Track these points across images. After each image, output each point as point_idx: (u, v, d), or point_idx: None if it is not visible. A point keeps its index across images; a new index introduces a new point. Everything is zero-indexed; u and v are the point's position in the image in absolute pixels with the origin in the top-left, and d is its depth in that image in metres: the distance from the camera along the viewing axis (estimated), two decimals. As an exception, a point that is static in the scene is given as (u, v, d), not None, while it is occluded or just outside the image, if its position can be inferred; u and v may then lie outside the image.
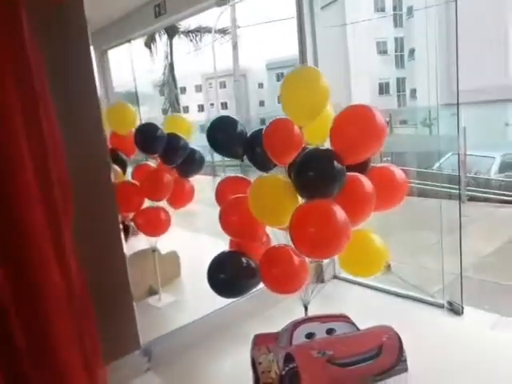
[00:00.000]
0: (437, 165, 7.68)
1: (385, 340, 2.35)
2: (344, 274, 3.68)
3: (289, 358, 2.11)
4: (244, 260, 2.09)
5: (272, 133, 2.12)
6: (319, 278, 3.60)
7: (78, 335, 2.10)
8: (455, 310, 2.99)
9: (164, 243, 3.88)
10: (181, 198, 3.29)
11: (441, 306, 3.07)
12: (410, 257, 4.71)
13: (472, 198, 8.33)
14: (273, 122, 2.13)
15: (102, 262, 2.39)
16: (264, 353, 2.17)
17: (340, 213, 1.70)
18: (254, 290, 2.13)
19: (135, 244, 3.78)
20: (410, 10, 22.17)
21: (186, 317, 3.06)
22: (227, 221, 2.12)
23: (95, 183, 2.36)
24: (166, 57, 17.97)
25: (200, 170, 3.36)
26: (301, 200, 1.86)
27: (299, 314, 2.32)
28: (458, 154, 5.04)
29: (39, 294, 1.92)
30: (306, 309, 2.32)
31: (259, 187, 1.93)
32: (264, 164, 2.25)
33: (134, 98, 6.45)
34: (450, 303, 3.03)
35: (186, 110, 25.59)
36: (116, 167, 3.25)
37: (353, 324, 2.33)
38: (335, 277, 3.70)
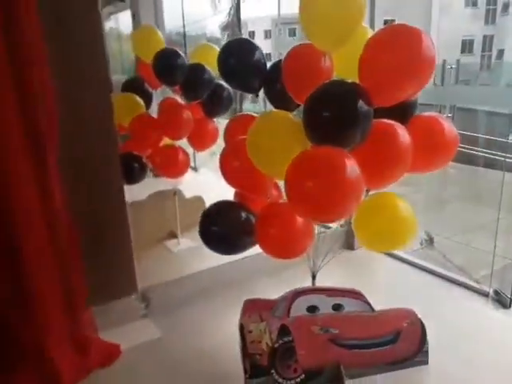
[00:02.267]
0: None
1: (405, 326, 2.00)
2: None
3: (284, 330, 1.82)
4: (242, 214, 1.78)
5: (292, 62, 1.72)
6: (348, 245, 3.26)
7: (60, 275, 1.96)
8: (502, 301, 2.52)
9: (191, 187, 3.68)
10: (203, 138, 2.99)
11: (485, 295, 2.60)
12: (460, 233, 4.14)
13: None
14: (294, 47, 1.72)
15: (99, 199, 2.20)
16: (255, 321, 1.90)
17: (352, 167, 1.30)
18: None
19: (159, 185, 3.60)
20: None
21: (200, 265, 2.85)
22: (227, 167, 1.79)
23: (93, 118, 2.12)
24: (233, -4, 17.08)
25: (227, 111, 3.01)
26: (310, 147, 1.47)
27: (326, 280, 2.02)
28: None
29: (15, 221, 1.77)
30: (313, 278, 2.00)
31: (259, 125, 1.56)
32: (284, 102, 1.85)
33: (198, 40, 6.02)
34: (496, 293, 2.56)
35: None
36: (138, 99, 2.99)
37: (366, 303, 1.98)
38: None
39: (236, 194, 1.93)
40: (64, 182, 1.90)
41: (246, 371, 1.82)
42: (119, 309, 2.37)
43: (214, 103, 2.91)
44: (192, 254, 3.27)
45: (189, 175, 3.77)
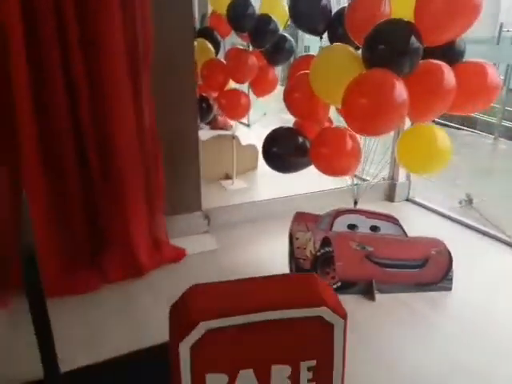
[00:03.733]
0: None
1: (433, 253, 2.25)
2: (418, 199, 3.47)
3: (326, 242, 2.14)
4: (299, 138, 2.08)
5: (354, 7, 1.95)
6: (390, 197, 3.47)
7: (145, 180, 2.36)
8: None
9: (245, 139, 4.00)
10: (264, 85, 3.28)
11: (516, 248, 2.77)
12: (500, 198, 4.23)
13: None
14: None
15: (178, 123, 2.56)
16: (302, 230, 2.23)
17: (400, 87, 1.55)
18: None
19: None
20: None
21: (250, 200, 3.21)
22: (290, 97, 2.08)
23: (178, 56, 2.46)
24: None
25: (287, 60, 3.27)
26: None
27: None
28: None
29: (114, 126, 2.15)
30: (355, 203, 2.28)
31: (322, 54, 1.83)
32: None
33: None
34: (527, 245, 2.73)
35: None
36: (209, 45, 3.31)
37: (400, 227, 2.25)
38: (408, 199, 3.52)
39: (295, 123, 2.22)
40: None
41: (291, 271, 2.16)
42: (186, 222, 2.78)
43: (277, 52, 3.18)
44: (243, 193, 3.65)
45: (242, 130, 4.12)
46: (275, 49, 3.16)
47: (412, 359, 1.76)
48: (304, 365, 0.88)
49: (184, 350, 0.82)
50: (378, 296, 2.18)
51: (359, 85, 1.58)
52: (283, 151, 2.09)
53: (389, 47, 1.58)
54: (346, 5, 2.05)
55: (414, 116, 1.81)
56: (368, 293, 2.19)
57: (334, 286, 2.18)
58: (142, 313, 2.08)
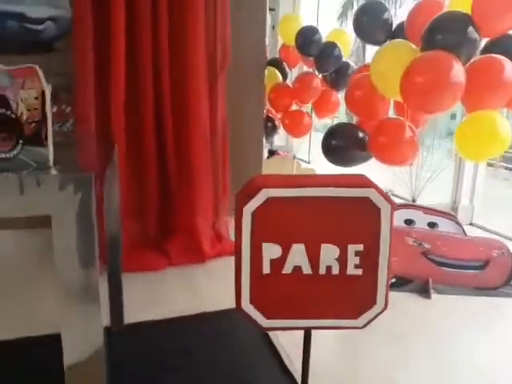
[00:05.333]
0: None
1: (495, 256, 2.20)
2: (481, 222, 3.37)
3: (381, 235, 2.17)
4: (358, 132, 2.21)
5: (415, 12, 2.14)
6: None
7: (214, 178, 2.60)
8: None
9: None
10: (326, 107, 3.50)
11: None
12: None
13: None
14: (416, 3, 2.14)
15: (244, 140, 2.81)
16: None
17: (457, 67, 1.66)
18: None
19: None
20: None
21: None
22: (351, 95, 2.26)
23: (250, 81, 2.78)
24: None
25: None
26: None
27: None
28: None
29: (191, 127, 2.44)
30: (413, 201, 2.32)
31: (384, 49, 2.00)
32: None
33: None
34: None
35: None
36: (278, 73, 3.65)
37: (459, 225, 2.23)
38: (472, 224, 3.42)
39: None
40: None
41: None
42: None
43: (340, 77, 3.41)
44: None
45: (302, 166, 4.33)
46: (338, 74, 3.40)
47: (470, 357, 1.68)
48: (352, 248, 0.97)
49: (246, 215, 0.95)
50: (434, 296, 2.14)
51: (418, 62, 1.72)
52: (343, 144, 2.23)
53: (445, 34, 1.72)
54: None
55: (469, 106, 1.89)
56: (424, 291, 2.15)
57: (389, 282, 2.17)
58: (200, 288, 2.21)
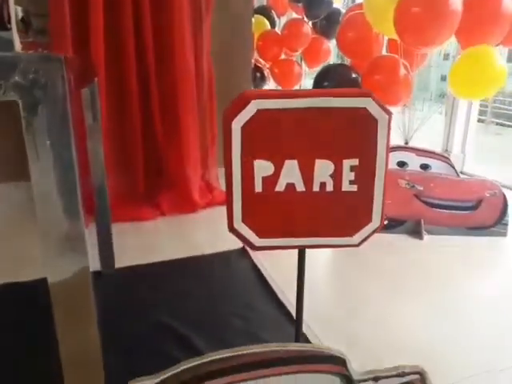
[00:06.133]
0: None
1: (487, 196, 2.19)
2: (472, 171, 3.37)
3: (374, 178, 2.15)
4: (351, 73, 2.14)
5: None
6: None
7: (201, 126, 2.52)
8: None
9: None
10: (317, 56, 3.39)
11: None
12: None
13: None
14: None
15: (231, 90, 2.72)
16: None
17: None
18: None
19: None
20: None
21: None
22: (343, 35, 2.17)
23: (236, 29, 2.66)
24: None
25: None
26: None
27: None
28: None
29: (176, 77, 2.34)
30: (406, 143, 2.29)
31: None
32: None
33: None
34: None
35: None
36: (266, 22, 3.51)
37: (452, 167, 2.21)
38: (462, 172, 3.42)
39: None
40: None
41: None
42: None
43: (330, 25, 3.29)
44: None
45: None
46: (328, 21, 3.27)
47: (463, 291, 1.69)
48: (347, 163, 0.93)
49: (236, 129, 0.90)
50: (426, 237, 2.14)
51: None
52: (335, 85, 2.16)
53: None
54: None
55: (464, 41, 1.83)
56: (416, 232, 2.16)
57: (382, 225, 2.17)
58: (192, 236, 2.18)
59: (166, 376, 0.70)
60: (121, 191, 2.37)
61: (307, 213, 0.96)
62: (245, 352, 0.66)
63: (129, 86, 2.30)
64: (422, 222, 2.16)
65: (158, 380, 0.70)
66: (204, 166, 2.62)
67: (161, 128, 2.43)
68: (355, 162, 0.93)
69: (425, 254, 2.02)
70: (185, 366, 0.69)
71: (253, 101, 0.88)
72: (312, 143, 0.92)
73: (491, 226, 2.18)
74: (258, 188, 0.93)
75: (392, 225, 2.16)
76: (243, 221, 0.95)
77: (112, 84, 2.27)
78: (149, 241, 2.11)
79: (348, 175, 0.94)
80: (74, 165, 0.67)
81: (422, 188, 2.16)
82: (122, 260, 1.78)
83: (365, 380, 0.71)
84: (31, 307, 1.44)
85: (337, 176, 0.94)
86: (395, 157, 2.20)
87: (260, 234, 0.96)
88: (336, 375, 0.70)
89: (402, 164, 2.20)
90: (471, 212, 2.17)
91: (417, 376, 0.72)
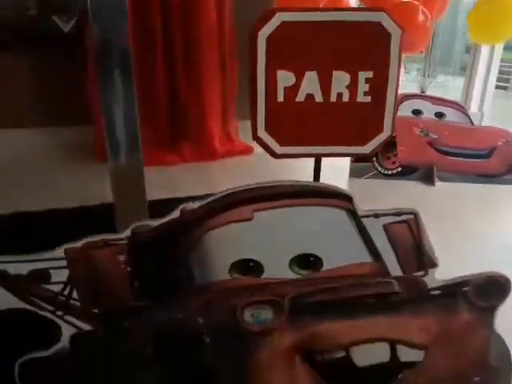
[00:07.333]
0: None
1: (500, 144, 2.24)
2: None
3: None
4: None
5: None
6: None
7: (222, 76, 2.60)
8: None
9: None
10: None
11: None
12: None
13: None
14: None
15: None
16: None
17: None
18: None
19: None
20: None
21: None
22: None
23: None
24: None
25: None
26: None
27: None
28: None
29: (201, 31, 2.41)
30: (422, 92, 2.33)
31: None
32: None
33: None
34: None
35: None
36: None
37: (467, 115, 2.26)
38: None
39: None
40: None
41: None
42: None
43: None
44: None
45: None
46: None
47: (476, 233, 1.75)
48: (362, 75, 1.02)
49: (261, 40, 0.99)
50: (438, 183, 2.21)
51: None
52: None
53: None
54: None
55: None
56: (428, 179, 2.23)
57: (394, 171, 2.25)
58: (214, 181, 2.29)
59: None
60: (145, 138, 2.48)
61: (324, 122, 1.05)
62: (265, 185, 0.79)
63: (154, 38, 2.38)
64: (435, 168, 2.22)
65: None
66: (224, 117, 2.72)
67: (183, 80, 2.52)
68: (370, 74, 1.02)
69: (437, 199, 2.09)
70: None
71: (278, 13, 0.97)
72: (330, 55, 1.01)
73: (503, 174, 2.23)
74: (280, 98, 1.03)
75: (404, 172, 2.24)
76: (266, 130, 1.05)
77: (136, 35, 2.35)
78: (171, 184, 2.23)
79: (363, 87, 1.03)
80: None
81: (436, 136, 2.22)
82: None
83: (368, 216, 0.82)
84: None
85: (352, 87, 1.03)
86: (410, 105, 2.25)
87: (281, 143, 1.07)
88: (343, 209, 0.81)
89: (417, 112, 2.26)
90: (484, 160, 2.23)
91: (411, 216, 0.84)
